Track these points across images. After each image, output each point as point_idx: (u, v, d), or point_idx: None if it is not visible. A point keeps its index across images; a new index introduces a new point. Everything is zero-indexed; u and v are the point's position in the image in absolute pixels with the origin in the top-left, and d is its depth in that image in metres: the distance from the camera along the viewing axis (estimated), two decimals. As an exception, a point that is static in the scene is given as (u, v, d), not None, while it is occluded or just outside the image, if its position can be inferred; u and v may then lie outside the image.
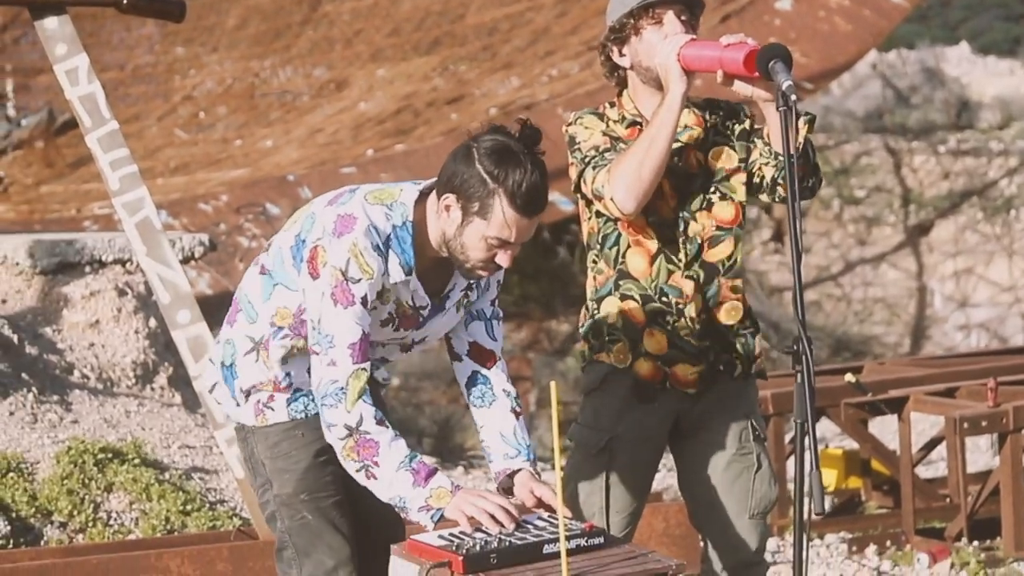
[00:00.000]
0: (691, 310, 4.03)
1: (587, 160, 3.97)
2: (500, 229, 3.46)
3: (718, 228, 4.04)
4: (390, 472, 3.45)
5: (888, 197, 20.99)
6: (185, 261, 7.42)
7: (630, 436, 4.05)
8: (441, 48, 19.77)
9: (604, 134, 4.02)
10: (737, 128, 4.09)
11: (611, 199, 3.88)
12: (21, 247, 7.33)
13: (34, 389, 6.69)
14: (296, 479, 3.67)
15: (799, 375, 3.62)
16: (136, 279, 7.33)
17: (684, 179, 4.03)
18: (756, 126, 4.08)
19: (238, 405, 3.73)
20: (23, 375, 6.77)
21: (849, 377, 7.00)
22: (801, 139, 3.92)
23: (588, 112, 4.10)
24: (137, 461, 6.12)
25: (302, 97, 19.79)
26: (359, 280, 3.47)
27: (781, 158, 3.93)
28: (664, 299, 4.03)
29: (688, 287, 4.02)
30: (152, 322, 7.29)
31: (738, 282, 4.09)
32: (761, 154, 4.02)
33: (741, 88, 3.86)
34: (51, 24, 5.94)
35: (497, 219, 3.45)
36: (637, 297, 4.04)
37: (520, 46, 18.75)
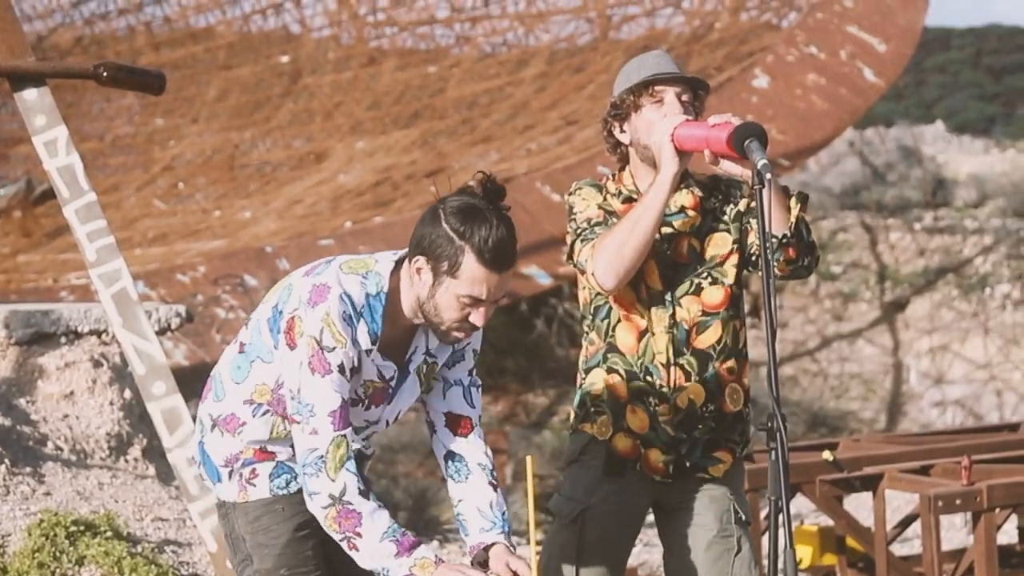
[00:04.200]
0: (681, 398, 4.02)
1: (579, 232, 4.01)
2: (471, 286, 3.48)
3: (704, 313, 4.04)
4: (373, 542, 3.46)
5: (864, 273, 21.08)
6: (161, 332, 7.40)
7: (603, 508, 4.06)
8: (421, 121, 19.89)
9: (599, 207, 4.04)
10: (732, 210, 4.09)
11: (592, 274, 3.91)
12: (-3, 317, 7.31)
13: (7, 460, 6.65)
14: (276, 554, 3.65)
15: (773, 452, 3.62)
16: (112, 350, 7.31)
17: (673, 266, 4.03)
18: (752, 204, 4.09)
19: (219, 481, 3.73)
20: (-4, 446, 6.73)
21: (827, 455, 7.00)
22: (794, 218, 3.94)
23: (588, 183, 4.12)
24: (109, 534, 6.07)
25: (281, 168, 19.86)
26: (333, 348, 3.49)
27: (773, 239, 3.94)
28: (648, 378, 4.03)
29: (676, 375, 4.01)
30: (127, 393, 7.27)
31: (732, 363, 4.06)
32: (757, 235, 4.03)
33: (729, 167, 3.88)
34: (30, 95, 5.96)
35: (467, 276, 3.47)
36: (622, 372, 4.05)
37: (499, 120, 18.87)
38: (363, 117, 20.15)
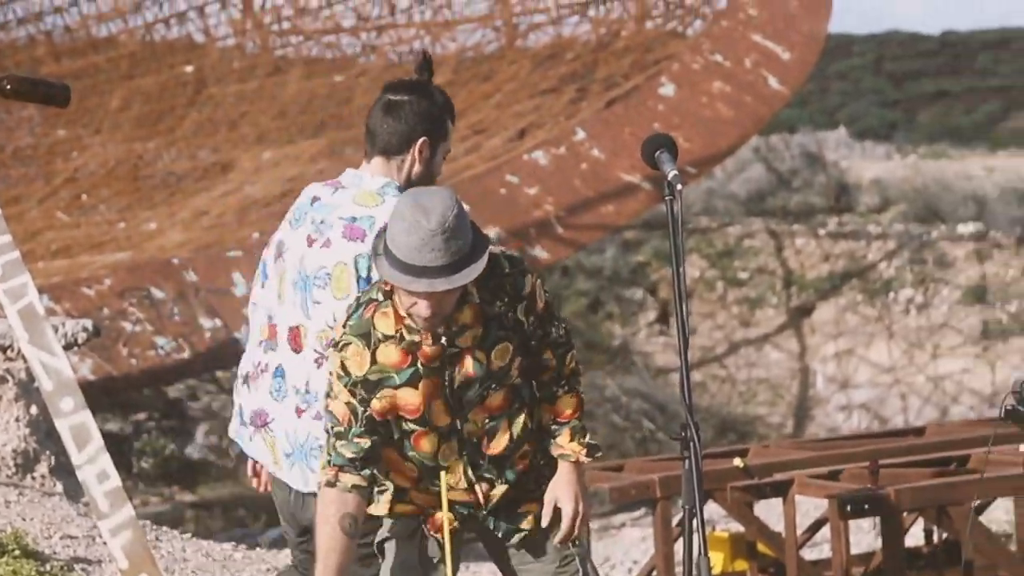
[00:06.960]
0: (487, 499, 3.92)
1: (329, 436, 3.81)
2: None
3: (490, 418, 3.85)
4: None
5: (770, 279, 21.28)
6: (68, 347, 7.31)
7: (399, 534, 3.97)
8: (327, 131, 19.78)
9: (349, 399, 3.77)
10: (520, 313, 3.83)
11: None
12: (-102, 333, 7.20)
13: (-89, 479, 6.56)
14: None
15: (687, 461, 3.65)
16: (17, 366, 7.22)
17: (462, 386, 3.80)
18: (536, 305, 3.85)
19: None
20: (-101, 464, 6.63)
21: (738, 462, 7.06)
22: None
23: (354, 333, 3.78)
24: (17, 552, 5.99)
25: (187, 179, 19.67)
26: None
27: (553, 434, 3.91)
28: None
29: (483, 489, 3.88)
30: (33, 409, 7.18)
31: (526, 448, 3.91)
32: (539, 360, 3.88)
33: None
34: (-68, 109, 5.88)
35: None
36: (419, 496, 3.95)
37: (406, 130, 18.78)
38: (269, 127, 20.04)
